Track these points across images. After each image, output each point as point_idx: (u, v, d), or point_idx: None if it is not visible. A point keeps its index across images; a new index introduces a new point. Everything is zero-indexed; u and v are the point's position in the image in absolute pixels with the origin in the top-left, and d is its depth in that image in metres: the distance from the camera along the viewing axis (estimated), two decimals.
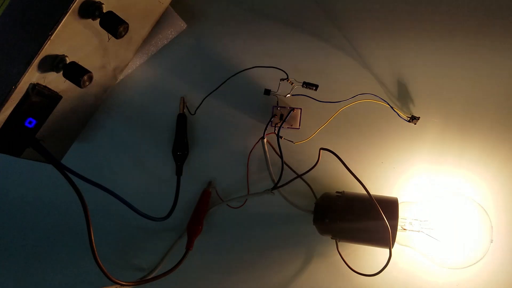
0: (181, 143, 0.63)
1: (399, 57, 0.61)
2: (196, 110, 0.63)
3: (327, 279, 0.62)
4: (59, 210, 0.66)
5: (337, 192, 0.58)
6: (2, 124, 0.47)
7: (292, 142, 0.60)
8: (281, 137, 0.59)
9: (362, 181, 0.54)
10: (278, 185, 0.57)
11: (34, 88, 0.47)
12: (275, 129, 0.60)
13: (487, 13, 0.59)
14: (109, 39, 0.53)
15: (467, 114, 0.60)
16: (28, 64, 0.44)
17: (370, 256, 0.61)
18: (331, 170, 0.61)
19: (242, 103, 0.63)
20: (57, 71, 0.48)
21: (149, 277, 0.62)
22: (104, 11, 0.48)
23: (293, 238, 0.63)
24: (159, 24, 0.61)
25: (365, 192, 0.54)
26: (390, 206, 0.54)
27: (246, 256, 0.64)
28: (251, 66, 0.61)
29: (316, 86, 0.58)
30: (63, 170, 0.49)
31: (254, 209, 0.63)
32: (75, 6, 0.45)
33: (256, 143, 0.62)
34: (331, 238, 0.58)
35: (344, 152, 0.57)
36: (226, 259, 0.64)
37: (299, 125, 0.61)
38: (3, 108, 0.45)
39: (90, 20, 0.48)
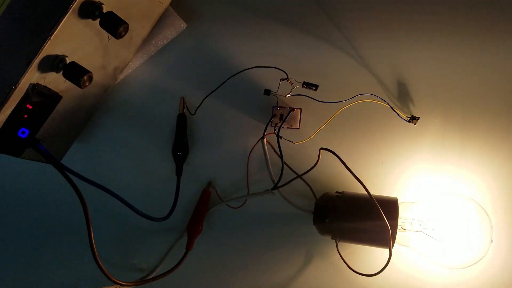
0: (181, 143, 0.63)
1: (399, 57, 0.61)
2: (196, 110, 0.63)
3: (327, 279, 0.62)
4: (59, 210, 0.66)
5: (337, 192, 0.58)
6: (2, 124, 0.47)
7: (292, 142, 0.60)
8: (281, 137, 0.59)
9: (362, 181, 0.54)
10: (278, 185, 0.57)
11: (34, 88, 0.47)
12: (275, 129, 0.60)
13: (487, 13, 0.59)
14: (109, 39, 0.53)
15: (467, 114, 0.60)
16: (28, 64, 0.44)
17: (370, 256, 0.61)
18: (331, 170, 0.61)
19: (242, 103, 0.63)
20: (57, 71, 0.48)
21: (149, 277, 0.62)
22: (104, 11, 0.48)
23: (293, 238, 0.63)
24: (159, 24, 0.60)
25: (365, 192, 0.54)
26: (390, 206, 0.54)
27: (246, 256, 0.64)
28: (251, 66, 0.61)
29: (316, 86, 0.58)
30: (63, 170, 0.49)
31: (254, 209, 0.63)
32: (75, 6, 0.45)
33: (256, 143, 0.62)
34: (331, 238, 0.58)
35: (344, 152, 0.57)
36: (226, 259, 0.64)
37: (299, 125, 0.61)
38: (3, 108, 0.45)
39: (90, 20, 0.48)
